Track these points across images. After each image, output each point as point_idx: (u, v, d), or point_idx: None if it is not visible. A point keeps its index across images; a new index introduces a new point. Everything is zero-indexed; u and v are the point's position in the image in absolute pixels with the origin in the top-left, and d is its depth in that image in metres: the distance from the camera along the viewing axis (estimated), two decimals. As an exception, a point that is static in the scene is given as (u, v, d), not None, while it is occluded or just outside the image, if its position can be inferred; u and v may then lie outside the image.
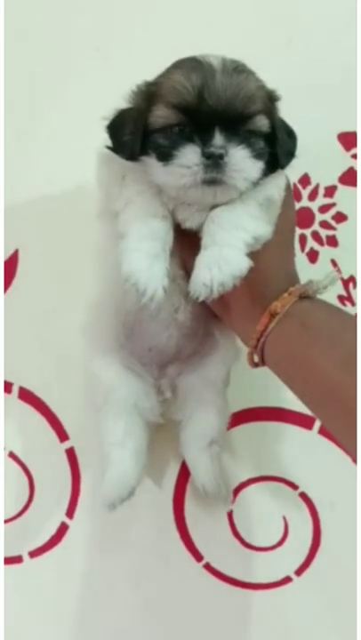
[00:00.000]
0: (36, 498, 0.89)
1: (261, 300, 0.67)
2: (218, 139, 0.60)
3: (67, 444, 0.89)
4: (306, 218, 0.88)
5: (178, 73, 0.62)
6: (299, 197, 0.87)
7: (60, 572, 0.90)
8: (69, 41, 0.87)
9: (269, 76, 0.83)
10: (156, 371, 0.78)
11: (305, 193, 0.88)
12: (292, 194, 0.73)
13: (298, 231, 0.88)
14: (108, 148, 0.65)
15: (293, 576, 0.89)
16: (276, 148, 0.65)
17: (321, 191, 0.88)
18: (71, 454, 0.89)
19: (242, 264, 0.61)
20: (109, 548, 0.90)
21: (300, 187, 0.88)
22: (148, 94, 0.64)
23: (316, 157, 0.85)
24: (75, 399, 0.87)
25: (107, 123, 0.65)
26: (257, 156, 0.62)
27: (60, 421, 0.89)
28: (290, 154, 0.67)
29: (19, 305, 0.88)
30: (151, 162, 0.63)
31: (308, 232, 0.88)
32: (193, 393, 0.78)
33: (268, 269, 0.67)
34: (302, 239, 0.88)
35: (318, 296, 0.68)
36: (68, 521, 0.89)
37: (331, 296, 0.78)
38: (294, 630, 0.90)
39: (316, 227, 0.88)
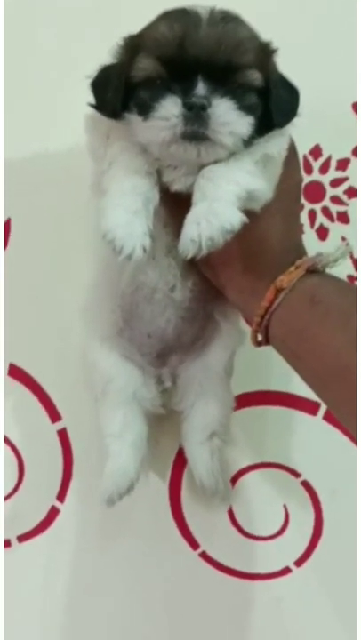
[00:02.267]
0: (25, 480, 0.86)
1: (266, 273, 0.63)
2: (200, 89, 0.56)
3: (59, 425, 0.86)
4: (316, 192, 0.83)
5: (162, 23, 0.59)
6: (309, 170, 0.83)
7: (50, 558, 0.87)
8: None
9: (281, 44, 0.80)
10: (157, 360, 0.74)
11: (316, 165, 0.83)
12: (297, 156, 0.68)
13: (307, 206, 0.84)
14: (91, 105, 0.61)
15: (293, 567, 0.87)
16: (270, 104, 0.60)
17: (333, 164, 0.83)
18: (63, 436, 0.86)
19: (233, 217, 0.57)
20: (101, 533, 0.87)
21: (310, 159, 0.83)
22: (132, 47, 0.60)
23: (328, 128, 0.82)
24: (68, 378, 0.84)
25: (91, 80, 0.61)
26: (246, 109, 0.58)
27: (52, 401, 0.85)
28: (290, 111, 0.62)
29: (10, 278, 0.83)
30: (133, 118, 0.59)
31: (317, 207, 0.84)
32: (194, 383, 0.75)
33: (272, 239, 0.63)
34: (312, 215, 0.84)
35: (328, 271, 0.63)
36: (58, 505, 0.86)
37: (340, 276, 0.75)
38: (292, 623, 0.87)
39: (326, 202, 0.84)
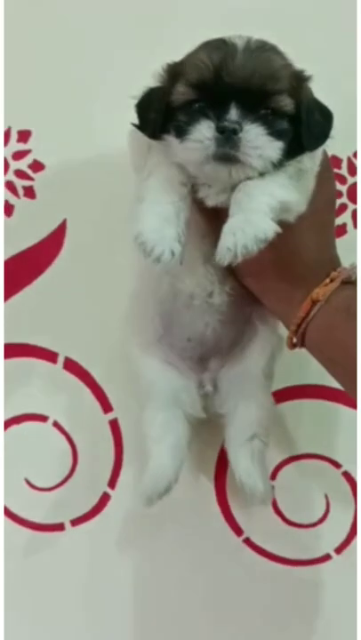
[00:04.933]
0: (79, 467, 0.90)
1: (302, 284, 0.66)
2: (232, 114, 0.60)
3: (111, 416, 0.89)
4: (360, 193, 0.86)
5: (201, 52, 0.63)
6: (353, 172, 0.85)
7: (101, 541, 0.91)
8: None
9: (324, 40, 0.82)
10: (198, 364, 0.77)
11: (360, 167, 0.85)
12: (330, 170, 0.71)
13: (350, 207, 0.86)
14: (134, 125, 0.66)
15: (333, 554, 0.90)
16: (302, 130, 0.63)
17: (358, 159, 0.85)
18: (115, 426, 0.89)
19: (266, 227, 0.60)
20: (150, 519, 0.90)
21: (354, 160, 0.85)
22: (173, 73, 0.64)
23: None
24: (120, 371, 0.86)
25: (135, 101, 0.66)
26: (276, 134, 0.61)
27: (104, 392, 0.89)
28: (322, 135, 0.65)
29: (66, 274, 0.87)
30: (171, 139, 0.64)
31: (361, 208, 0.86)
32: (234, 386, 0.77)
33: (307, 251, 0.66)
34: (355, 215, 0.86)
35: None
36: (110, 491, 0.90)
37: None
38: (331, 607, 0.91)
39: (369, 202, 0.86)
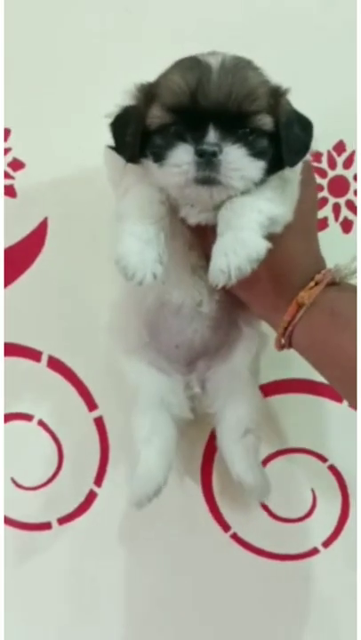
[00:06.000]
0: (65, 466, 0.90)
1: (288, 289, 0.66)
2: (211, 136, 0.59)
3: (95, 413, 0.89)
4: (340, 186, 0.86)
5: (175, 73, 0.62)
6: (333, 165, 0.85)
7: (88, 540, 0.91)
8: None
9: (304, 40, 0.82)
10: (185, 367, 0.77)
11: (340, 160, 0.85)
12: (312, 175, 0.71)
13: (332, 200, 0.86)
14: (111, 147, 0.65)
15: (321, 548, 0.90)
16: (282, 147, 0.62)
17: (357, 158, 0.85)
18: (100, 423, 0.89)
19: (259, 246, 0.59)
20: (137, 516, 0.88)
21: (334, 154, 0.85)
22: (148, 94, 0.63)
23: (351, 123, 0.83)
24: (104, 368, 0.87)
25: (110, 120, 0.65)
26: (257, 154, 0.61)
27: (88, 390, 0.89)
28: (302, 149, 0.64)
29: (48, 273, 0.87)
30: (149, 163, 0.63)
31: (342, 201, 0.86)
32: (222, 385, 0.78)
33: (294, 258, 0.66)
34: (336, 208, 0.86)
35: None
36: (96, 489, 0.90)
37: None
38: (319, 601, 0.91)
39: (350, 195, 0.86)
